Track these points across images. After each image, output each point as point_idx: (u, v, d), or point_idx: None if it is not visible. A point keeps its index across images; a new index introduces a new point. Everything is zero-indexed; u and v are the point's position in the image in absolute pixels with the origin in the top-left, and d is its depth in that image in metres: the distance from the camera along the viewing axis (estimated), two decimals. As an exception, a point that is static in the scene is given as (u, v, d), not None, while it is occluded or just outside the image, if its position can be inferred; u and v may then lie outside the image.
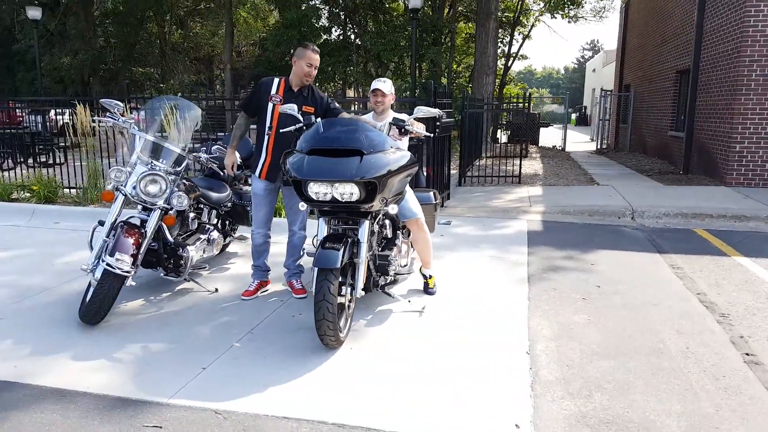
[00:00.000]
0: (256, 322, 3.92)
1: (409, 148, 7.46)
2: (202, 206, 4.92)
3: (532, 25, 22.93)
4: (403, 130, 3.97)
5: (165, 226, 4.19)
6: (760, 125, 9.03)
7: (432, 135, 4.29)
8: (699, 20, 10.52)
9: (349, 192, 3.37)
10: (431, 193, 4.96)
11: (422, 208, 4.64)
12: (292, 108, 4.02)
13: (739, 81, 9.05)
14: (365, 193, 3.38)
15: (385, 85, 4.33)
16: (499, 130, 18.87)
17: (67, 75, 22.76)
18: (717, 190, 8.94)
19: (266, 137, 4.26)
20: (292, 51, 19.90)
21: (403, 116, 4.11)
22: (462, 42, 22.47)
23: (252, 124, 4.52)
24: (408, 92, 15.55)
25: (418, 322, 3.93)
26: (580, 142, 23.53)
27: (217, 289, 4.59)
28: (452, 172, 11.46)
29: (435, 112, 3.99)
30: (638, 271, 5.09)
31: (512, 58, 23.14)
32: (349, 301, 3.62)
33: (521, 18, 22.28)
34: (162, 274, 4.34)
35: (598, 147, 18.82)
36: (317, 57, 4.24)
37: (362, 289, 3.79)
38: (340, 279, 3.45)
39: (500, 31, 20.35)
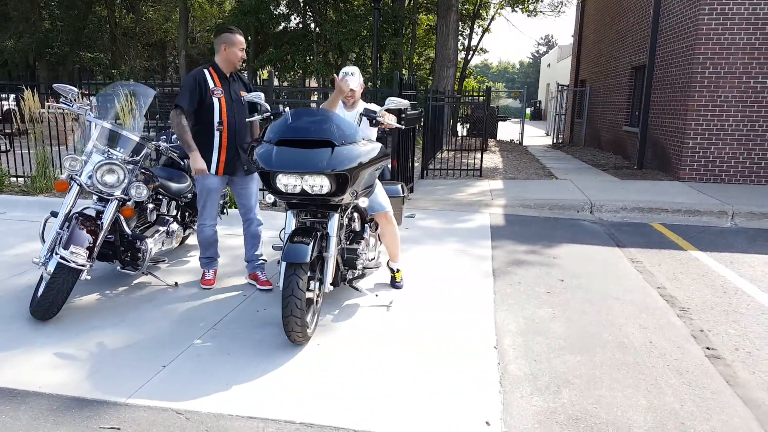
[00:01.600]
0: (219, 318, 3.79)
1: (377, 139, 7.41)
2: (161, 197, 4.73)
3: (492, 18, 23.10)
4: (374, 121, 3.88)
5: (122, 218, 4.03)
6: (712, 122, 9.33)
7: (402, 127, 4.22)
8: (655, 17, 10.77)
9: (319, 184, 3.28)
10: (399, 186, 4.89)
11: (390, 201, 4.58)
12: (258, 96, 3.90)
13: (693, 78, 9.31)
14: (336, 185, 3.30)
15: (353, 78, 4.14)
16: (458, 123, 18.96)
17: (10, 59, 21.66)
18: (671, 185, 9.20)
19: (217, 133, 4.12)
20: (250, 37, 19.50)
21: (374, 107, 4.03)
22: (423, 34, 22.42)
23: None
24: (370, 83, 15.44)
25: (386, 316, 3.87)
26: (535, 136, 23.93)
27: (177, 283, 4.43)
28: (416, 164, 11.47)
29: (405, 103, 3.92)
30: (599, 265, 5.16)
31: (472, 52, 23.26)
32: (318, 296, 3.53)
33: (481, 11, 22.40)
34: (119, 268, 4.16)
35: (554, 141, 19.16)
36: (244, 39, 4.24)
37: (330, 284, 3.72)
38: (308, 273, 3.36)
39: (461, 24, 20.41)
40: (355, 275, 4.08)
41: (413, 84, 8.04)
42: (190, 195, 4.96)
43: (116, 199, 3.92)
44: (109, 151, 3.99)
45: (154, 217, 4.60)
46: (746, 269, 5.09)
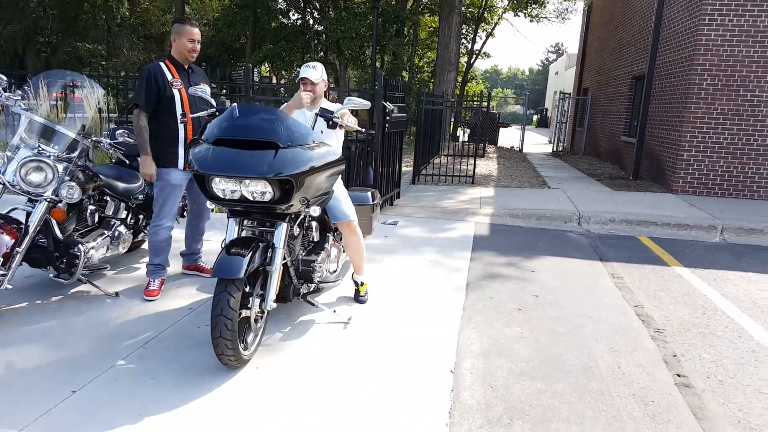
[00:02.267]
0: (154, 334, 3.50)
1: (361, 142, 7.22)
2: (107, 198, 4.37)
3: (496, 23, 22.85)
4: (331, 122, 3.65)
5: (53, 221, 3.71)
6: (708, 134, 9.07)
7: (363, 129, 3.98)
8: (656, 26, 10.53)
9: (260, 191, 3.00)
10: (368, 193, 4.68)
11: (357, 209, 4.36)
12: (204, 90, 3.68)
13: (690, 90, 9.06)
14: (280, 192, 3.02)
15: (314, 71, 3.87)
16: (459, 128, 18.72)
17: None
18: (664, 197, 8.94)
19: (181, 126, 3.92)
20: (247, 32, 19.21)
21: (334, 106, 3.81)
22: (426, 36, 22.21)
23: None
24: (368, 84, 15.21)
25: (341, 335, 3.65)
26: (538, 143, 23.66)
27: (117, 294, 4.09)
28: (408, 168, 11.27)
29: (365, 103, 3.68)
30: (578, 280, 4.93)
31: (475, 56, 23.00)
32: (259, 315, 3.27)
33: (485, 15, 22.15)
34: (51, 276, 3.81)
35: (555, 149, 18.90)
36: (197, 30, 4.02)
37: (280, 299, 3.49)
38: (247, 289, 3.11)
39: (464, 27, 20.19)
40: (311, 289, 3.83)
41: (402, 86, 7.82)
42: (141, 196, 4.63)
43: (45, 200, 3.60)
44: (39, 146, 3.67)
45: (96, 219, 4.23)
46: (729, 288, 4.85)
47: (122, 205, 4.51)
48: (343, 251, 4.38)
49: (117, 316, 3.74)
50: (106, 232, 4.23)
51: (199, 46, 4.02)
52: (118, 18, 24.49)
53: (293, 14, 20.37)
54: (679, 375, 3.25)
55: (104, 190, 4.25)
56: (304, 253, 3.82)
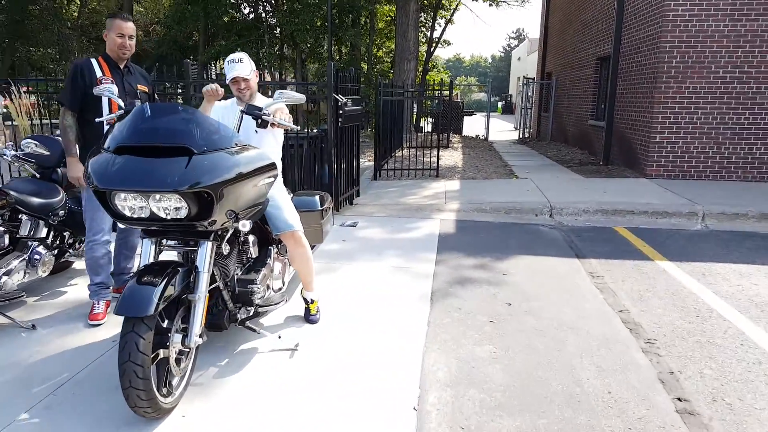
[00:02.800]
0: (70, 375, 2.98)
1: (313, 139, 6.66)
2: (21, 216, 3.87)
3: (455, 9, 22.38)
4: (260, 120, 3.11)
5: None
6: (680, 114, 8.77)
7: (297, 128, 3.45)
8: (619, 3, 10.18)
9: (173, 206, 2.47)
10: (316, 198, 4.13)
11: (304, 216, 3.85)
12: (110, 90, 3.20)
13: (659, 68, 8.73)
14: (198, 206, 2.49)
15: (242, 65, 3.35)
16: (422, 119, 18.25)
17: None
18: (638, 183, 8.61)
19: (108, 127, 3.45)
20: (198, 29, 18.43)
21: (264, 102, 3.26)
22: (384, 25, 21.63)
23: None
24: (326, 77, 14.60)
25: (286, 367, 3.11)
26: (504, 131, 23.40)
27: (34, 326, 3.59)
28: (369, 163, 10.73)
29: (299, 97, 3.16)
30: (554, 282, 4.48)
31: (435, 44, 22.52)
32: (181, 353, 2.72)
33: (443, 1, 21.69)
34: None
35: (521, 136, 18.60)
36: (130, 25, 3.66)
37: (214, 328, 3.01)
38: (164, 324, 2.58)
39: (422, 14, 19.70)
40: (251, 313, 3.29)
41: (355, 76, 7.26)
42: (63, 212, 4.11)
43: None
44: None
45: (6, 241, 3.73)
46: (720, 284, 4.46)
47: (41, 223, 4.00)
48: (290, 265, 3.85)
49: (30, 353, 3.23)
50: (21, 254, 3.77)
51: (131, 42, 3.67)
52: (68, 21, 23.45)
53: (245, 7, 19.55)
54: (679, 399, 2.80)
55: (17, 208, 3.79)
56: (240, 272, 3.29)
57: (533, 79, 20.45)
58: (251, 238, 3.40)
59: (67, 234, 4.34)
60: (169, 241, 2.86)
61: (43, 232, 4.03)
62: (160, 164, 2.41)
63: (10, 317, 3.60)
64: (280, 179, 3.68)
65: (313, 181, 6.68)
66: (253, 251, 3.44)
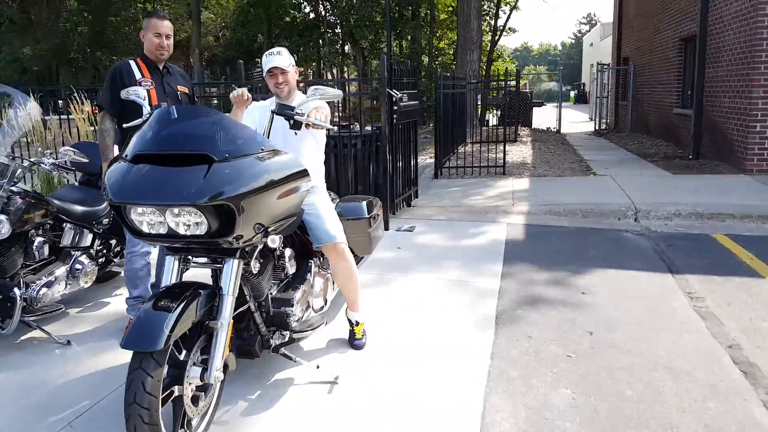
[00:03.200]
0: (93, 401, 2.74)
1: (367, 138, 6.24)
2: (65, 225, 3.77)
3: (520, -6, 21.35)
4: (292, 121, 2.71)
5: None
6: (786, 100, 7.72)
7: (334, 128, 3.01)
8: (708, -22, 9.15)
9: (192, 221, 2.15)
10: (363, 204, 3.69)
11: (349, 225, 3.48)
12: (137, 94, 2.92)
13: (756, 46, 7.72)
14: (218, 221, 2.15)
15: (281, 57, 3.06)
16: (487, 112, 17.49)
17: (29, 66, 21.36)
18: (736, 180, 7.65)
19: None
20: (263, 32, 18.51)
21: (299, 99, 2.87)
22: (446, 16, 20.93)
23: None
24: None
25: (322, 404, 2.70)
26: (577, 122, 22.20)
27: (69, 342, 3.44)
28: (429, 161, 10.22)
29: (336, 93, 2.74)
30: (644, 306, 3.83)
31: (500, 32, 21.56)
32: (200, 389, 2.37)
33: (508, -14, 20.73)
34: None
35: (597, 128, 17.51)
36: (167, 24, 3.48)
37: (244, 355, 2.70)
38: (182, 356, 2.25)
39: (485, 2, 18.86)
40: (287, 339, 2.90)
41: (410, 69, 6.76)
42: (107, 219, 4.01)
43: None
44: None
45: (46, 251, 3.60)
46: None
47: (85, 231, 3.92)
48: (333, 282, 3.46)
49: (60, 373, 3.08)
50: (62, 265, 3.69)
51: (169, 42, 3.50)
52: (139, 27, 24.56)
53: (305, 7, 19.41)
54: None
55: (60, 217, 3.70)
56: (276, 291, 2.91)
57: (608, 65, 19.21)
58: (288, 252, 3.01)
59: (113, 242, 4.25)
60: (197, 258, 2.53)
61: (88, 241, 3.94)
62: (178, 174, 2.10)
63: (47, 332, 3.48)
64: (322, 185, 3.29)
65: (367, 182, 6.25)
66: (290, 266, 3.05)
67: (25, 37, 21.70)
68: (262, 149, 2.33)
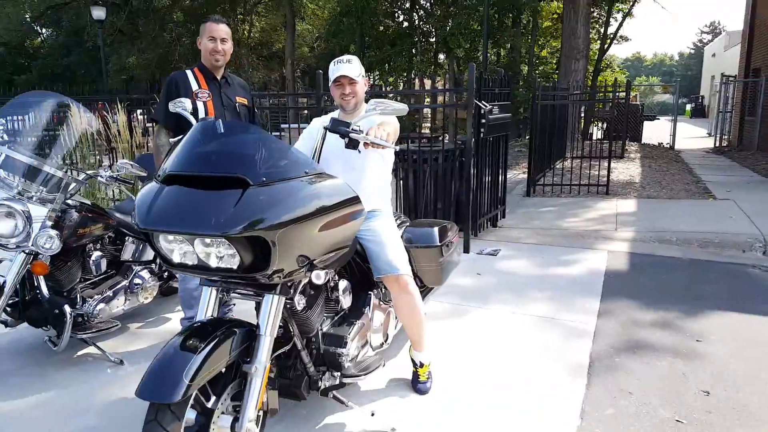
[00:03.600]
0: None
1: (450, 153, 5.86)
2: (127, 239, 3.73)
3: (635, 1, 20.05)
4: (348, 139, 2.40)
5: (39, 277, 3.16)
6: None
7: (397, 148, 2.65)
8: None
9: (225, 253, 1.90)
10: (435, 230, 3.30)
11: (419, 253, 3.18)
12: (183, 107, 2.75)
13: None
14: (253, 254, 1.88)
15: (350, 66, 2.81)
16: (591, 124, 16.49)
17: (135, 74, 22.98)
18: None
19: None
20: (355, 41, 18.66)
21: (366, 112, 2.55)
22: (551, 23, 20.05)
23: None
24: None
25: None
26: (694, 137, 20.48)
27: (122, 361, 3.34)
28: (522, 176, 9.65)
29: (400, 107, 2.41)
30: (779, 361, 3.16)
31: (609, 41, 20.35)
32: None
33: (622, -8, 19.53)
34: (45, 338, 3.32)
35: (717, 144, 15.97)
36: (222, 27, 3.28)
37: (290, 396, 2.44)
38: (210, 403, 2.00)
39: (594, 9, 17.87)
40: (337, 381, 2.59)
41: (504, 78, 6.30)
42: None
43: (26, 252, 3.08)
44: (20, 187, 3.12)
45: (104, 266, 3.56)
46: None
47: (147, 245, 3.87)
48: (395, 317, 3.12)
49: (106, 395, 2.97)
50: (122, 280, 3.64)
51: (226, 47, 3.32)
52: (239, 41, 25.74)
53: (399, 16, 19.38)
54: None
55: (122, 231, 3.67)
56: (328, 326, 2.62)
57: (734, 77, 17.54)
58: (342, 284, 2.69)
59: None
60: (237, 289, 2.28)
61: (150, 255, 3.88)
62: (209, 199, 1.85)
63: (102, 349, 3.40)
64: (387, 208, 2.99)
65: (448, 200, 5.85)
66: (345, 300, 2.73)
67: (131, 48, 23.29)
68: (306, 172, 2.03)
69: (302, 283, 2.30)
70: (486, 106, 5.59)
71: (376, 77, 16.84)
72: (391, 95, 6.23)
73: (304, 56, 28.11)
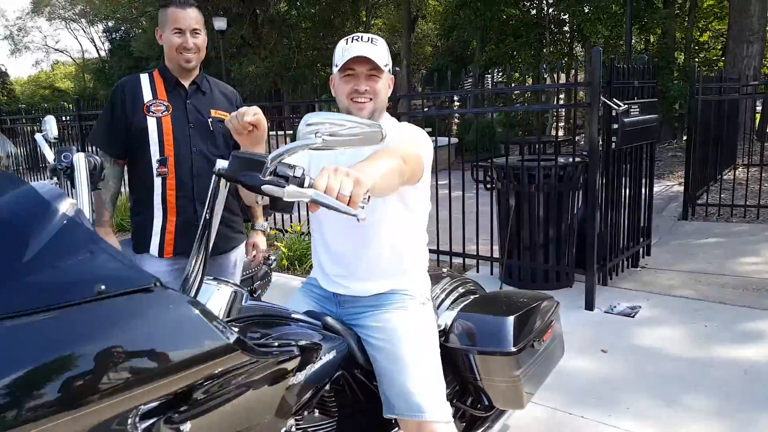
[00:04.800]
0: None
1: (566, 169, 4.46)
2: None
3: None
4: (264, 197, 1.20)
5: None
6: None
7: (363, 217, 1.31)
8: None
9: None
10: (507, 323, 2.02)
11: (479, 361, 1.97)
12: (47, 126, 1.72)
13: None
14: None
15: (375, 48, 1.68)
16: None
17: (254, 83, 23.68)
18: None
19: (158, 180, 2.30)
20: (474, 38, 17.52)
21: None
22: (714, 2, 17.35)
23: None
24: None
25: None
26: None
27: None
28: (677, 189, 7.81)
29: (360, 130, 1.16)
30: None
31: (795, 17, 17.14)
32: None
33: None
34: None
35: None
36: (191, 13, 2.28)
37: None
38: None
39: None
40: None
41: (645, 67, 4.71)
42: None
43: None
44: None
45: None
46: None
47: None
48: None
49: None
50: None
51: (198, 41, 2.32)
52: None
53: (522, 4, 17.80)
54: None
55: None
56: None
57: None
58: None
59: None
60: None
61: None
62: None
63: None
64: (418, 287, 1.83)
65: (562, 233, 4.43)
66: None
67: (253, 56, 24.00)
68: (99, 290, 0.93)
69: None
70: (620, 106, 4.12)
71: (498, 75, 15.50)
72: (488, 93, 4.90)
73: (426, 56, 27.38)
